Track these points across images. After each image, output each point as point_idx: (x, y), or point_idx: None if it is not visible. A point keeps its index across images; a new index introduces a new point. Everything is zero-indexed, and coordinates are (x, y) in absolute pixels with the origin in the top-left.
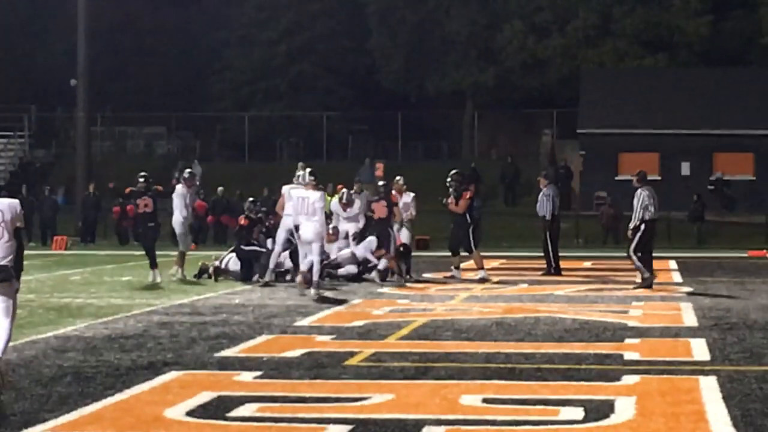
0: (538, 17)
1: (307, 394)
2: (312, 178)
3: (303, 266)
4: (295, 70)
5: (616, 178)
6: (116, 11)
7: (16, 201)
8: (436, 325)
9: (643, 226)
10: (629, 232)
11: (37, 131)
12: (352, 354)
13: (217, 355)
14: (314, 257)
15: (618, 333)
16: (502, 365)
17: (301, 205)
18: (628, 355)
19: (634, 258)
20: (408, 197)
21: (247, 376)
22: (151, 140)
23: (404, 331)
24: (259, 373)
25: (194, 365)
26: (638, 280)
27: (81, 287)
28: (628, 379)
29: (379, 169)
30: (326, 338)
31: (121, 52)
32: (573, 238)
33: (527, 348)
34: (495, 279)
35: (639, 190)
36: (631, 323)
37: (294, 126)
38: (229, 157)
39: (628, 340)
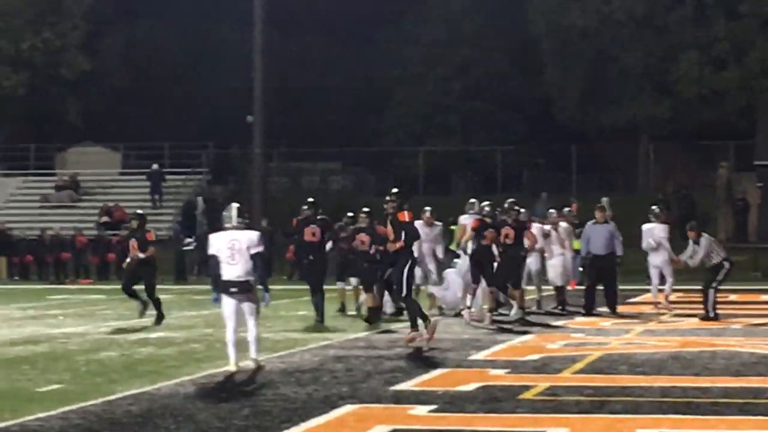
0: (714, 49)
1: (482, 428)
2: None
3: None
4: (469, 105)
5: None
6: (291, 49)
7: (254, 232)
8: (611, 358)
9: None
10: None
11: (215, 167)
12: (526, 388)
13: (392, 388)
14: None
15: None
16: (678, 399)
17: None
18: None
19: None
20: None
21: (422, 410)
22: (326, 176)
23: (579, 365)
24: (434, 406)
25: (369, 399)
26: None
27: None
28: None
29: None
30: (501, 372)
31: (296, 88)
32: (750, 271)
33: (703, 382)
34: (671, 312)
35: None
36: None
37: (468, 160)
38: (404, 192)
39: None
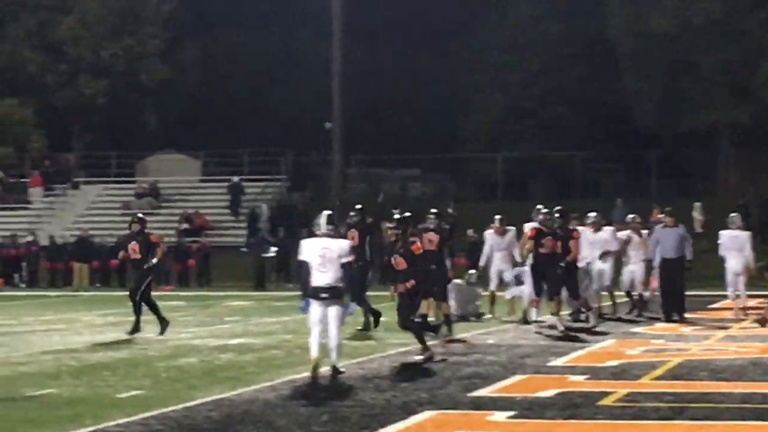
0: None
1: None
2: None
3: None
4: (546, 111)
5: None
6: (369, 55)
7: (345, 242)
8: (691, 365)
9: None
10: None
11: (294, 174)
12: (606, 394)
13: (470, 394)
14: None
15: None
16: (759, 406)
17: None
18: None
19: None
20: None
21: (500, 416)
22: (405, 182)
23: (659, 371)
24: (512, 413)
25: (448, 405)
26: None
27: None
28: None
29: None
30: (580, 378)
31: (374, 95)
32: None
33: None
34: (749, 319)
35: None
36: None
37: (545, 166)
38: (482, 198)
39: None
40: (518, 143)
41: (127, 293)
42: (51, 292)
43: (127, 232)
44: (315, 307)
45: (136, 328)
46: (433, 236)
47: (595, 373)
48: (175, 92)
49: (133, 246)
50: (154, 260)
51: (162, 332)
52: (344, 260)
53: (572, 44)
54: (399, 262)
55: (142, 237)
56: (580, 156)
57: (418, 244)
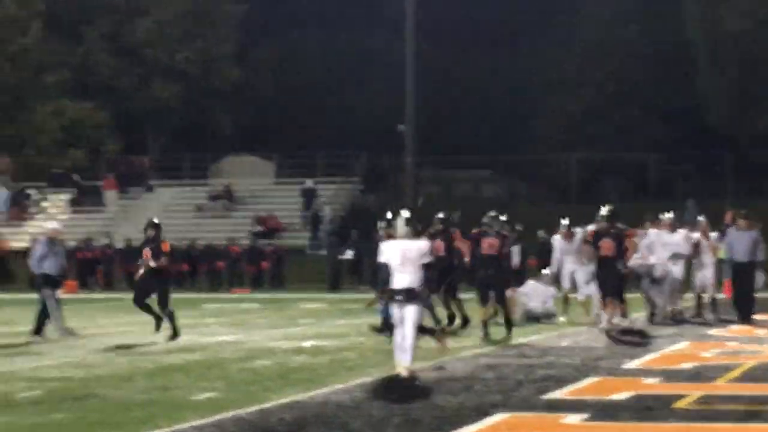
0: None
1: None
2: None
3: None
4: (620, 112)
5: None
6: (442, 57)
7: (425, 243)
8: (766, 367)
9: None
10: None
11: (367, 176)
12: (680, 397)
13: (544, 397)
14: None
15: None
16: None
17: None
18: None
19: None
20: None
21: (574, 419)
22: (477, 184)
23: (734, 374)
24: (586, 415)
25: (521, 407)
26: None
27: None
28: None
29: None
30: (654, 381)
31: (448, 96)
32: None
33: None
34: None
35: None
36: None
37: (619, 167)
38: (555, 199)
39: None
40: (592, 145)
41: (157, 303)
42: (126, 294)
43: (143, 238)
44: (395, 309)
45: (174, 333)
46: (493, 241)
47: (669, 376)
48: (249, 94)
49: (146, 252)
50: (152, 264)
51: (157, 329)
52: (425, 261)
53: (646, 46)
54: None
55: (155, 244)
56: (653, 157)
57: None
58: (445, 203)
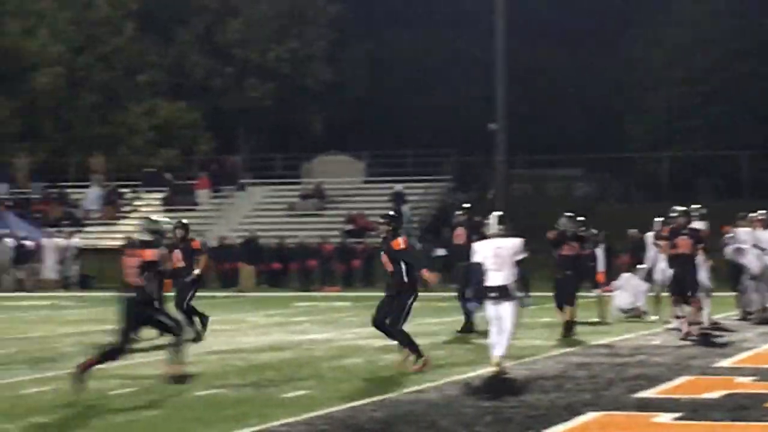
0: None
1: None
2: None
3: None
4: (714, 109)
5: None
6: (533, 56)
7: (518, 240)
8: None
9: None
10: None
11: (457, 175)
12: None
13: (635, 396)
14: None
15: None
16: None
17: None
18: None
19: None
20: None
21: (665, 418)
22: (569, 182)
23: None
24: (678, 414)
25: (612, 406)
26: None
27: None
28: None
29: None
30: (747, 379)
31: (538, 95)
32: None
33: None
34: None
35: None
36: None
37: (712, 165)
38: (648, 198)
39: None
40: (684, 142)
41: (174, 306)
42: (219, 292)
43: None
44: (490, 306)
45: (198, 336)
46: (572, 243)
47: (762, 375)
48: (340, 94)
49: (177, 255)
50: (197, 271)
51: (204, 328)
52: (518, 257)
53: (738, 42)
54: (385, 262)
55: (185, 244)
56: (747, 155)
57: (399, 240)
58: (536, 202)
